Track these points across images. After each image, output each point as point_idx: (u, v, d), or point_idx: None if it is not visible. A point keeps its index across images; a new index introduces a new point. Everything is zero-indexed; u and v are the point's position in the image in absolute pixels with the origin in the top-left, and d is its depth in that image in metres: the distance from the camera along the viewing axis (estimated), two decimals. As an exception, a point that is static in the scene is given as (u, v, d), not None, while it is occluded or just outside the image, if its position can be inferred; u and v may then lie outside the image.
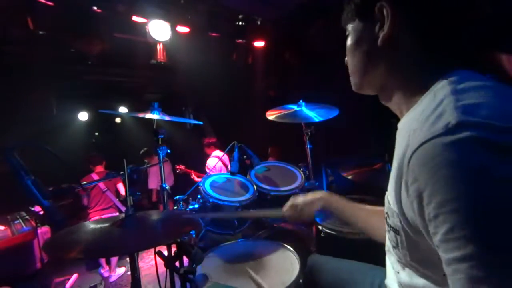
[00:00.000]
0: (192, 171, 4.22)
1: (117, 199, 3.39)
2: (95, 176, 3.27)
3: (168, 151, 1.57)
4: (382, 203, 0.73)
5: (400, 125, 0.60)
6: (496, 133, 0.37)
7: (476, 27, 0.50)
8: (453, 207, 0.37)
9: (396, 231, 0.54)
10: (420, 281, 0.54)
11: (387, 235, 0.61)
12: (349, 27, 0.63)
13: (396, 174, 0.49)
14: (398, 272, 0.61)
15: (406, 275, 0.58)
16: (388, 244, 0.63)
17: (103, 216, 3.02)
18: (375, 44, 0.56)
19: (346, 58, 0.69)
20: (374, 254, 0.85)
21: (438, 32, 0.52)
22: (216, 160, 3.53)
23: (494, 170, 0.35)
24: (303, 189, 1.81)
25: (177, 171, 4.29)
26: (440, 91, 0.46)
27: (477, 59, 0.53)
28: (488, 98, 0.41)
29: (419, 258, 0.52)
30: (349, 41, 0.64)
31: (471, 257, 0.36)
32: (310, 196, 1.07)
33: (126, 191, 1.11)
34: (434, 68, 0.51)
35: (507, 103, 0.41)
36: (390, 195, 0.55)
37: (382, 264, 0.73)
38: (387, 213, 0.58)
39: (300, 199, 1.09)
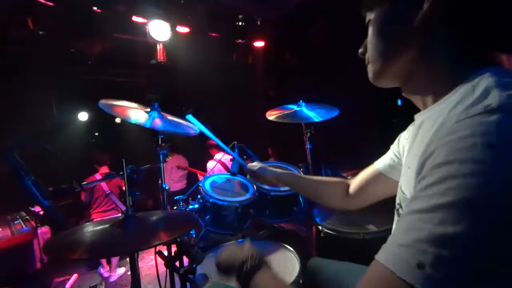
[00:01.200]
0: (198, 171, 4.22)
1: (121, 200, 3.38)
2: (98, 177, 3.26)
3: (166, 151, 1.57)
4: (381, 203, 0.73)
5: (422, 117, 0.57)
6: None
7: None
8: (448, 166, 0.37)
9: None
10: None
11: (395, 226, 0.61)
12: (375, 10, 0.58)
13: (418, 164, 0.46)
14: None
15: None
16: None
17: (105, 218, 3.02)
18: (409, 26, 0.52)
19: (360, 50, 0.65)
20: (374, 254, 0.85)
21: (476, 22, 0.49)
22: (215, 162, 3.53)
23: None
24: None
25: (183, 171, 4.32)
26: (481, 84, 0.44)
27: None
28: None
29: None
30: (373, 25, 0.59)
31: (422, 210, 0.37)
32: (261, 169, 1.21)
33: (126, 191, 1.10)
34: (469, 61, 0.49)
35: None
36: (406, 185, 0.54)
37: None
38: (399, 204, 0.57)
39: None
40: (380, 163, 0.90)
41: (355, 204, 0.99)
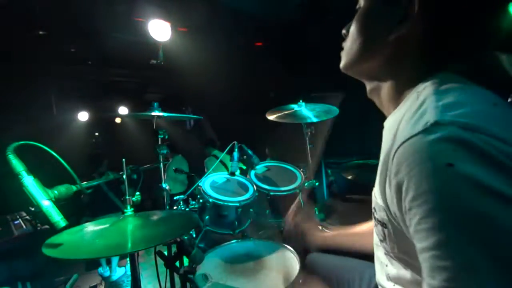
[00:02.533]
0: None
1: (121, 200, 3.37)
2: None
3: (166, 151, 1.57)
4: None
5: (386, 123, 0.61)
6: (469, 132, 0.39)
7: (486, 26, 0.50)
8: (423, 199, 0.39)
9: (383, 225, 0.55)
10: (408, 273, 0.55)
11: (374, 229, 0.62)
12: (364, 2, 0.59)
13: (381, 169, 0.51)
14: (386, 265, 0.62)
15: (394, 268, 0.59)
16: (376, 238, 0.64)
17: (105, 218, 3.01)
18: (386, 34, 0.54)
19: (343, 31, 0.65)
20: (372, 257, 0.85)
21: (453, 29, 0.50)
22: (214, 161, 3.53)
23: (461, 168, 0.37)
24: (303, 189, 1.81)
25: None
26: (423, 92, 0.48)
27: (477, 59, 0.53)
28: (465, 97, 0.44)
29: (407, 250, 0.53)
30: (358, 16, 0.60)
31: (434, 247, 0.38)
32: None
33: (126, 192, 1.10)
34: (425, 69, 0.52)
35: (482, 102, 0.44)
36: (376, 190, 0.57)
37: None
38: (374, 208, 0.59)
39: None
40: None
41: None
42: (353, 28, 0.61)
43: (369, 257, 1.00)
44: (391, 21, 0.54)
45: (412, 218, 0.42)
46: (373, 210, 0.61)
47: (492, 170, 0.36)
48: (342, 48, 0.66)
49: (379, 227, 0.57)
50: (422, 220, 0.40)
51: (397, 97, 0.56)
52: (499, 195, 0.35)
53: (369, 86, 0.64)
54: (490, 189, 0.36)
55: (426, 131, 0.41)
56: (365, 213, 1.51)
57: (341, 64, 0.65)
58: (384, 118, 0.63)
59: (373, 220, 0.61)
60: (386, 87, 0.59)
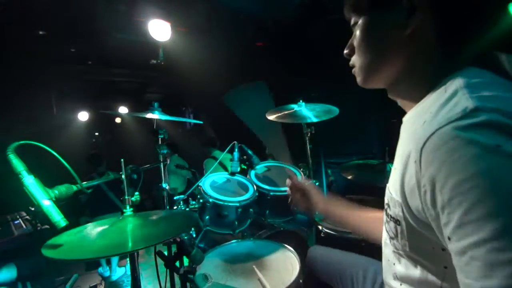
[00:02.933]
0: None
1: (121, 200, 3.37)
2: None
3: (166, 151, 1.57)
4: (382, 203, 0.73)
5: (405, 119, 0.60)
6: (509, 119, 0.38)
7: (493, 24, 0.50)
8: (471, 184, 0.36)
9: (396, 221, 0.54)
10: (417, 272, 0.54)
11: (385, 226, 0.61)
12: (364, 14, 0.57)
13: (402, 165, 0.49)
14: (394, 264, 0.61)
15: (402, 267, 0.58)
16: (385, 236, 0.63)
17: (104, 218, 3.02)
18: (400, 33, 0.52)
19: (346, 51, 0.65)
20: (375, 254, 0.85)
21: (460, 27, 0.50)
22: (213, 161, 3.52)
23: (509, 149, 0.36)
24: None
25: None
26: (452, 85, 0.47)
27: (486, 57, 0.52)
28: (499, 91, 0.43)
29: (419, 248, 0.52)
30: (362, 31, 0.58)
31: (490, 238, 0.34)
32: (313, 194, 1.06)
33: (126, 191, 1.10)
34: (448, 65, 0.51)
35: None
36: (392, 186, 0.55)
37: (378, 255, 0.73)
38: (387, 204, 0.58)
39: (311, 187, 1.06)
40: None
41: None
42: (359, 45, 0.60)
43: (370, 253, 0.99)
44: (398, 21, 0.52)
45: (454, 211, 0.38)
46: (385, 207, 0.59)
47: None
48: (350, 66, 0.65)
49: (391, 223, 0.56)
50: (472, 208, 0.36)
51: (419, 92, 0.54)
52: None
53: (389, 88, 0.63)
54: None
55: (465, 116, 0.39)
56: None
57: (359, 81, 0.64)
58: (384, 118, 0.63)
59: (385, 216, 0.60)
60: (407, 85, 0.58)
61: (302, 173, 1.89)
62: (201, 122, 1.95)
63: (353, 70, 0.65)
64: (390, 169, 1.00)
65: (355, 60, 0.63)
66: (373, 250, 0.86)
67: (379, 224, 0.75)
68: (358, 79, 0.64)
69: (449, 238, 0.39)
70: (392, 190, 0.56)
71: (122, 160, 1.09)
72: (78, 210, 3.43)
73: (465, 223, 0.37)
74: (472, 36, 0.50)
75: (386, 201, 0.59)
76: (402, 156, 0.49)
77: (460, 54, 0.52)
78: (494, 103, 0.40)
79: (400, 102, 0.63)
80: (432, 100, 0.49)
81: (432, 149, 0.41)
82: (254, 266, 1.23)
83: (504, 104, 0.40)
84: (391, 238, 0.58)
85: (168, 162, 4.10)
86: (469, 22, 0.49)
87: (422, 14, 0.50)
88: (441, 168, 0.39)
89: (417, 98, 0.55)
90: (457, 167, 0.37)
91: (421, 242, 0.50)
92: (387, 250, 0.64)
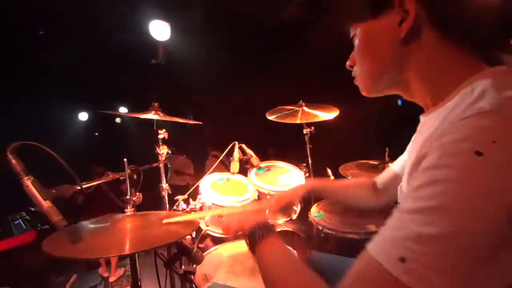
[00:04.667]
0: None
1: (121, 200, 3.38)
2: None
3: (168, 151, 1.57)
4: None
5: (424, 118, 0.58)
6: None
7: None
8: (437, 171, 0.39)
9: None
10: None
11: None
12: (359, 25, 0.58)
13: (415, 161, 0.47)
14: None
15: None
16: None
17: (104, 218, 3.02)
18: (395, 37, 0.52)
19: (348, 63, 0.66)
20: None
21: (458, 23, 0.50)
22: (214, 161, 3.52)
23: (491, 157, 0.36)
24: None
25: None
26: (479, 86, 0.45)
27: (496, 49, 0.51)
28: None
29: None
30: (359, 43, 0.59)
31: (412, 211, 0.39)
32: (291, 189, 1.15)
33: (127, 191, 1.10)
34: (469, 63, 0.50)
35: None
36: (405, 184, 0.56)
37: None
38: (399, 202, 0.58)
39: (283, 192, 1.15)
40: (396, 165, 0.93)
41: (385, 200, 1.01)
42: (358, 54, 0.61)
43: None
44: (392, 26, 0.52)
45: (414, 182, 0.41)
46: (398, 205, 0.60)
47: None
48: (352, 77, 0.66)
49: None
50: (422, 186, 0.40)
51: (439, 93, 0.53)
52: None
53: (404, 93, 0.61)
54: None
55: (479, 115, 0.39)
56: (365, 213, 1.51)
57: (362, 90, 0.64)
58: (384, 118, 0.63)
59: None
60: (423, 87, 0.56)
61: (302, 173, 1.89)
62: (201, 123, 1.95)
63: (355, 81, 0.66)
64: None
65: (357, 70, 0.63)
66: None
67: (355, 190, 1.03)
68: (361, 88, 0.64)
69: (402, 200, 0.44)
70: (404, 189, 0.57)
71: (125, 160, 1.09)
72: (78, 210, 3.44)
73: (410, 196, 0.41)
74: (475, 23, 0.49)
75: (398, 200, 0.60)
76: (415, 156, 0.47)
77: (478, 49, 0.50)
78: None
79: (418, 102, 0.61)
80: (457, 101, 0.47)
81: (437, 137, 0.42)
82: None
83: None
84: None
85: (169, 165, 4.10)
86: (463, 15, 0.48)
87: (412, 14, 0.50)
88: (431, 151, 0.41)
89: (436, 97, 0.54)
90: (439, 155, 0.40)
91: None
92: None
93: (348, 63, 0.66)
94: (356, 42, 0.60)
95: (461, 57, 0.51)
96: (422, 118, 0.60)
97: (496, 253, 0.36)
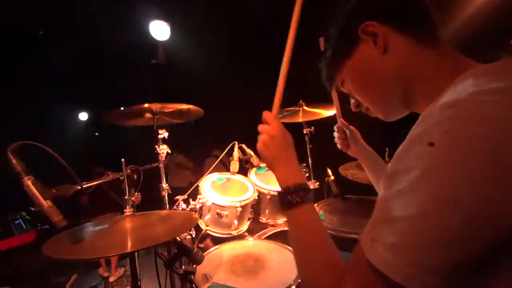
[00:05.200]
0: None
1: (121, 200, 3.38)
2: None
3: (168, 151, 1.57)
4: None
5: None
6: (474, 120, 0.37)
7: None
8: (397, 162, 0.42)
9: None
10: None
11: None
12: (343, 74, 0.63)
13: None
14: None
15: None
16: None
17: (104, 218, 3.02)
18: (379, 57, 0.56)
19: (354, 104, 0.68)
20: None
21: (420, 26, 0.54)
22: (214, 161, 3.52)
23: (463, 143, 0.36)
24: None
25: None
26: (462, 83, 0.45)
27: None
28: (502, 85, 0.40)
29: None
30: (352, 81, 0.62)
31: (398, 193, 0.40)
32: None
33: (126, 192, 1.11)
34: (448, 66, 0.52)
35: None
36: None
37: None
38: None
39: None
40: None
41: None
42: (357, 92, 0.63)
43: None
44: (370, 49, 0.56)
45: (387, 169, 0.43)
46: None
47: None
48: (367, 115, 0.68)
49: None
50: (393, 173, 0.41)
51: (435, 97, 0.52)
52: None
53: (414, 108, 0.61)
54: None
55: (441, 107, 0.41)
56: (365, 213, 1.51)
57: (383, 119, 0.66)
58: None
59: None
60: (423, 98, 0.56)
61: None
62: (201, 122, 1.95)
63: (370, 114, 0.67)
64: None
65: (367, 107, 0.65)
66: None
67: None
68: (382, 118, 0.65)
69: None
70: None
71: (123, 160, 1.09)
72: (78, 210, 3.44)
73: (390, 176, 0.42)
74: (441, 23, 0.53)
75: None
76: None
77: (461, 50, 0.52)
78: (481, 97, 0.38)
79: (418, 110, 0.61)
80: (443, 100, 0.48)
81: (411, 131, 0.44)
82: (260, 263, 1.23)
83: (491, 100, 0.38)
84: None
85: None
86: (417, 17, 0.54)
87: (380, 30, 0.54)
88: (417, 131, 0.42)
89: (432, 101, 0.54)
90: (404, 146, 0.42)
91: None
92: None
93: (352, 106, 0.69)
94: (349, 84, 0.63)
95: (444, 60, 0.53)
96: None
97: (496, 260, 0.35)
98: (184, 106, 1.57)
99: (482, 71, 0.46)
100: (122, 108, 1.52)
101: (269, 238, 1.62)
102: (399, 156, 0.42)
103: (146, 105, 1.49)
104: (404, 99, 0.59)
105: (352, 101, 0.68)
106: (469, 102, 0.38)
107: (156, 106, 1.51)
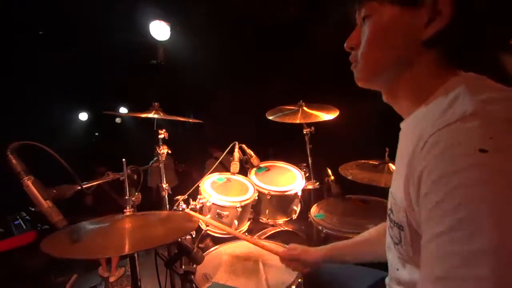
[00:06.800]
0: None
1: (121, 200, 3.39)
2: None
3: (169, 151, 1.57)
4: (381, 203, 0.73)
5: (404, 124, 0.59)
6: (506, 123, 0.38)
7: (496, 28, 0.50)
8: (447, 179, 0.37)
9: (400, 227, 0.54)
10: None
11: (388, 232, 0.61)
12: (380, 10, 0.53)
13: (406, 169, 0.48)
14: (397, 269, 0.61)
15: (407, 273, 0.58)
16: (389, 241, 0.62)
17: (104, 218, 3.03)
18: (414, 38, 0.50)
19: (348, 43, 0.61)
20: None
21: (479, 26, 0.49)
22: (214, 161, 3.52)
23: (495, 157, 0.36)
24: (303, 189, 1.81)
25: (180, 170, 4.29)
26: (453, 90, 0.47)
27: (483, 60, 0.52)
28: (499, 94, 0.43)
29: None
30: (376, 28, 0.54)
31: (444, 232, 0.36)
32: (307, 249, 1.04)
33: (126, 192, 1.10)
34: (446, 69, 0.52)
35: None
36: (396, 191, 0.55)
37: (381, 265, 0.73)
38: (391, 209, 0.58)
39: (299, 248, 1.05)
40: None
41: None
42: (373, 39, 0.55)
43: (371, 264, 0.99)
44: (417, 25, 0.50)
45: (430, 201, 0.39)
46: (388, 212, 0.59)
47: None
48: (350, 62, 0.62)
49: (395, 229, 0.55)
50: (442, 201, 0.37)
51: (420, 97, 0.53)
52: None
53: (388, 94, 0.61)
54: None
55: (463, 119, 0.40)
56: (365, 213, 1.51)
57: (360, 78, 0.60)
58: (384, 118, 0.63)
59: (388, 222, 0.59)
60: (408, 89, 0.56)
61: (302, 173, 1.89)
62: (201, 122, 1.95)
63: (352, 66, 0.61)
64: (390, 169, 1.00)
65: (360, 55, 0.58)
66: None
67: (365, 247, 0.89)
68: (359, 76, 0.60)
69: (424, 222, 0.41)
70: (396, 195, 0.55)
71: (123, 160, 1.09)
72: (77, 210, 3.44)
73: (432, 216, 0.38)
74: (475, 41, 0.50)
75: (389, 206, 0.59)
76: (406, 162, 0.48)
77: (461, 60, 0.52)
78: (491, 107, 0.40)
79: (396, 106, 0.61)
80: (434, 105, 0.49)
81: (429, 148, 0.42)
82: (260, 263, 1.24)
83: (501, 107, 0.40)
84: (395, 243, 0.57)
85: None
86: (486, 31, 0.49)
87: (440, 22, 0.48)
88: (429, 163, 0.41)
89: (416, 103, 0.55)
90: (442, 164, 0.39)
91: None
92: (391, 255, 0.63)
93: (348, 43, 0.61)
94: (370, 24, 0.55)
95: (438, 64, 0.52)
96: (402, 125, 0.60)
97: None
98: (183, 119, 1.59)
99: (472, 79, 0.48)
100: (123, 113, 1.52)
101: (269, 238, 1.62)
102: (438, 177, 0.39)
103: (149, 115, 1.50)
104: (391, 82, 0.57)
105: (351, 43, 0.60)
106: (489, 111, 0.40)
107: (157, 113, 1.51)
